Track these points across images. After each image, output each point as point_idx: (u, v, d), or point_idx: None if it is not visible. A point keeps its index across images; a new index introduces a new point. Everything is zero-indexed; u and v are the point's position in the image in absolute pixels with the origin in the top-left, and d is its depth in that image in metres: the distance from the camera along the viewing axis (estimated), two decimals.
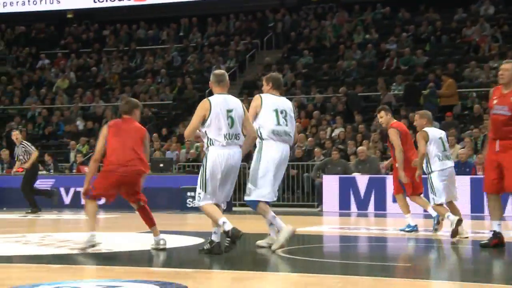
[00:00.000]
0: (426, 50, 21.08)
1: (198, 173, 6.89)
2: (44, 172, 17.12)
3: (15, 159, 14.18)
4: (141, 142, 7.17)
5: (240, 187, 10.82)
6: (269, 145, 7.09)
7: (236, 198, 13.88)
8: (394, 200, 11.01)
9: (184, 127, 18.86)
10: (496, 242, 7.41)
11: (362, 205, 14.24)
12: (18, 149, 13.87)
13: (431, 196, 8.81)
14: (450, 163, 8.89)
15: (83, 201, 16.42)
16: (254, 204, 7.15)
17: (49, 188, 15.03)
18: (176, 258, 7.06)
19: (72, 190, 15.84)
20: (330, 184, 14.65)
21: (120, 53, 25.19)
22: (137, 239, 8.74)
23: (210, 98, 6.82)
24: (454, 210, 8.77)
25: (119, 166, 6.98)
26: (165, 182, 15.16)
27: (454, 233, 8.34)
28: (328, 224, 11.98)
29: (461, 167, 14.31)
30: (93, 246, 7.02)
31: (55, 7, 26.82)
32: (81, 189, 16.82)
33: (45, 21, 27.72)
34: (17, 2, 26.60)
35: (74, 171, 17.13)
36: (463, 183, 13.49)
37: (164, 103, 21.88)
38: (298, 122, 18.43)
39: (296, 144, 16.94)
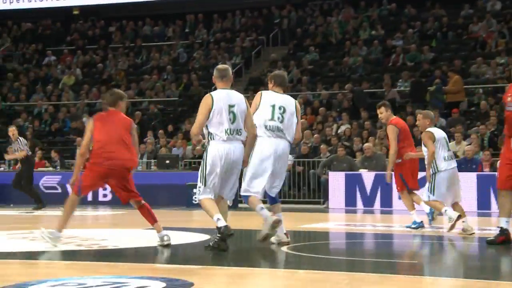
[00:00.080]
0: (433, 46, 21.01)
1: None
2: (51, 168, 17.17)
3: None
4: (128, 133, 7.10)
5: None
6: (261, 142, 7.05)
7: None
8: (400, 197, 10.99)
9: (190, 123, 18.88)
10: (503, 239, 7.38)
11: (368, 201, 14.22)
12: (14, 144, 14.16)
13: (427, 193, 8.79)
14: (454, 163, 8.92)
15: (89, 197, 16.63)
16: (245, 198, 7.18)
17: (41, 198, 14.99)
18: (182, 255, 7.07)
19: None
20: (336, 181, 14.63)
21: (126, 49, 25.22)
22: (143, 235, 8.74)
23: (212, 93, 6.82)
24: (459, 211, 8.75)
25: (105, 160, 6.95)
26: (171, 179, 15.19)
27: (452, 227, 8.48)
28: (334, 221, 11.97)
29: (468, 164, 14.28)
30: (55, 246, 6.99)
31: (61, 3, 26.90)
32: None
33: (51, 17, 27.78)
34: None
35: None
36: (470, 179, 13.47)
37: (170, 100, 21.90)
38: (304, 118, 18.43)
39: (302, 141, 16.94)
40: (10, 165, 17.32)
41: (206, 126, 6.72)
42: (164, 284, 4.88)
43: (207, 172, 6.69)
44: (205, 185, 6.69)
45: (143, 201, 7.20)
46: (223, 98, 6.71)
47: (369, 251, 7.82)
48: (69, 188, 16.02)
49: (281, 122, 7.15)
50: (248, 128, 6.86)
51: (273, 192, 7.33)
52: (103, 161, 6.96)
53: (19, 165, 14.79)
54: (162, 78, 23.01)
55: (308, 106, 19.33)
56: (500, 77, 18.51)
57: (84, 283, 4.91)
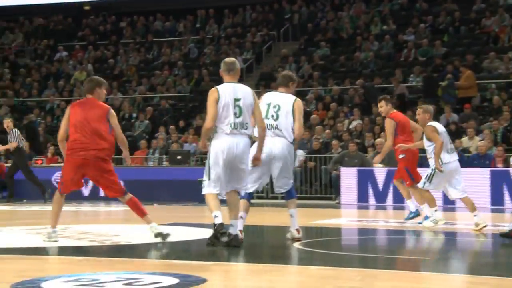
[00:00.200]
0: (445, 41, 20.89)
1: None
2: (63, 164, 17.24)
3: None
4: (104, 121, 6.96)
5: None
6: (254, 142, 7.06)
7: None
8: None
9: (201, 119, 18.91)
10: None
11: (381, 197, 14.19)
12: (9, 136, 14.50)
13: (424, 180, 8.89)
14: (456, 156, 8.99)
15: (101, 193, 16.65)
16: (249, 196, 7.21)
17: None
18: (195, 251, 7.08)
19: (90, 182, 15.86)
20: (348, 177, 14.60)
21: (137, 45, 25.26)
22: None
23: (218, 87, 6.81)
24: (468, 204, 8.75)
25: (79, 150, 6.91)
26: (183, 175, 15.19)
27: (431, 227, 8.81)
28: (346, 217, 11.95)
29: (481, 160, 14.22)
30: (55, 241, 6.99)
31: None
32: None
33: (63, 13, 27.88)
34: None
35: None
36: (483, 175, 13.42)
37: (181, 95, 21.92)
38: (316, 114, 18.41)
39: (313, 136, 16.92)
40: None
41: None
42: (177, 280, 4.90)
43: (210, 165, 6.69)
44: (209, 178, 6.68)
45: (127, 196, 7.11)
46: (229, 92, 6.69)
47: (382, 247, 7.81)
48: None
49: (276, 119, 7.15)
50: (257, 122, 6.82)
51: (279, 191, 7.38)
52: (76, 152, 6.92)
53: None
54: (173, 74, 23.03)
55: (320, 101, 19.29)
56: None
57: (97, 279, 4.93)
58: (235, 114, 6.64)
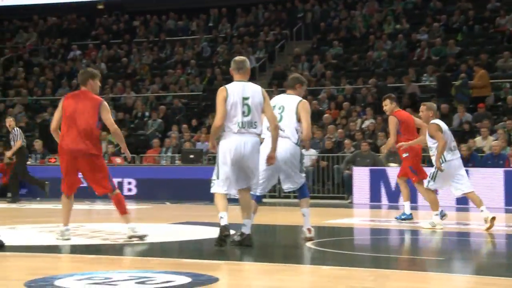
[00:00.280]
0: (458, 40, 20.78)
1: None
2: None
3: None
4: (95, 114, 6.91)
5: None
6: (263, 143, 7.02)
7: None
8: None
9: (213, 118, 18.89)
10: None
11: (393, 197, 14.13)
12: (11, 136, 14.50)
13: (427, 179, 8.97)
14: (458, 154, 9.04)
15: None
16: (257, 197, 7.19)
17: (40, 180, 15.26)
18: (207, 250, 7.08)
19: None
20: (361, 176, 14.56)
21: (150, 44, 25.33)
22: (169, 230, 8.80)
23: (227, 85, 6.80)
24: (474, 200, 8.82)
25: (67, 144, 6.91)
26: (196, 173, 15.20)
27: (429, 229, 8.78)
28: (359, 217, 11.92)
29: (495, 159, 14.13)
30: (67, 239, 7.02)
31: None
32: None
33: (77, 12, 28.01)
34: None
35: (106, 161, 17.26)
36: (497, 175, 13.34)
37: (194, 94, 21.95)
38: (328, 113, 18.37)
39: (326, 136, 16.88)
40: (36, 159, 17.56)
41: None
42: (189, 279, 4.90)
43: (219, 165, 6.68)
44: (218, 177, 6.67)
45: (114, 192, 7.10)
46: (237, 91, 6.66)
47: (394, 248, 7.78)
48: None
49: (279, 121, 7.11)
50: (269, 120, 6.77)
51: (288, 190, 7.39)
52: (66, 147, 6.92)
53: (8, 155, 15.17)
54: (186, 73, 23.07)
55: (332, 100, 19.25)
56: None
57: (110, 277, 4.95)
58: (243, 113, 6.61)
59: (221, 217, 6.51)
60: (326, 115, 18.20)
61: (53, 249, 6.80)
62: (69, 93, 7.35)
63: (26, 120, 21.52)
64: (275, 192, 15.27)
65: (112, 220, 10.55)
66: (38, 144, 17.61)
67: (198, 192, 15.08)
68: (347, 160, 15.30)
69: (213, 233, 7.94)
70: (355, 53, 21.79)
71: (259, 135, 6.76)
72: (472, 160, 14.23)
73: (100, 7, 27.91)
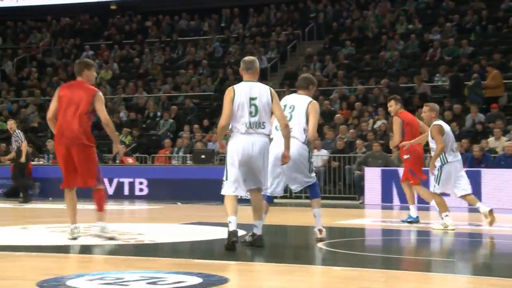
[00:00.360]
0: (471, 40, 20.68)
1: None
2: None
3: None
4: (89, 104, 6.90)
5: None
6: (271, 143, 6.99)
7: None
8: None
9: None
10: None
11: (405, 198, 13.91)
12: (12, 138, 14.58)
13: (433, 183, 8.96)
14: (459, 155, 9.09)
15: (125, 191, 16.78)
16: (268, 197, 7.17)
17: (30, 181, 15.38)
18: (218, 250, 7.08)
19: (115, 181, 16.03)
20: (372, 177, 14.53)
21: (162, 44, 25.41)
22: (180, 230, 8.81)
23: (235, 86, 6.77)
24: (471, 200, 8.93)
25: (61, 137, 6.92)
26: (207, 174, 15.23)
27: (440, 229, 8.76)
28: (370, 217, 11.89)
29: (508, 160, 14.04)
30: (75, 239, 7.02)
31: None
32: (123, 180, 17.13)
33: (90, 12, 28.16)
34: None
35: (118, 162, 17.37)
36: (510, 176, 13.28)
37: (206, 94, 21.99)
38: (340, 113, 18.34)
39: (338, 135, 16.84)
40: (49, 159, 17.66)
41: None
42: (200, 280, 4.91)
43: (228, 165, 6.65)
44: (227, 179, 6.63)
45: (98, 186, 7.11)
46: (244, 91, 6.62)
47: (406, 248, 7.75)
48: (106, 182, 16.26)
49: (289, 120, 7.08)
50: (278, 119, 6.71)
51: (296, 190, 7.41)
52: (60, 138, 6.94)
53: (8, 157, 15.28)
54: (198, 73, 23.11)
55: (344, 101, 19.22)
56: None
57: (121, 278, 4.97)
58: (250, 113, 6.56)
59: (230, 222, 6.47)
60: (337, 115, 18.17)
61: (65, 249, 6.83)
62: (65, 83, 7.37)
63: (39, 120, 21.63)
64: (286, 192, 15.23)
65: (123, 221, 10.59)
66: (50, 144, 17.70)
67: (210, 192, 15.08)
68: (359, 162, 15.28)
69: (224, 233, 7.96)
70: (368, 53, 21.74)
71: (268, 135, 6.71)
72: (484, 160, 14.16)
73: (113, 7, 28.03)
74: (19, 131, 14.67)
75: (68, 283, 4.75)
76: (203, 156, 15.97)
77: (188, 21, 26.39)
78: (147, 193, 15.71)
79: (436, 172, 8.86)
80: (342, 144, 16.37)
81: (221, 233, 7.89)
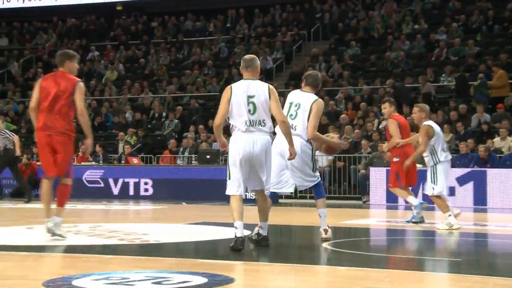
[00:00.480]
0: (477, 40, 20.63)
1: None
2: (94, 163, 17.44)
3: None
4: (70, 95, 6.93)
5: None
6: (275, 141, 6.98)
7: None
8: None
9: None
10: None
11: None
12: (1, 137, 14.63)
13: (430, 186, 8.94)
14: (450, 155, 9.16)
15: (131, 192, 16.79)
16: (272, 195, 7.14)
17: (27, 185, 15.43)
18: (223, 250, 7.09)
19: (120, 181, 16.08)
20: (377, 177, 14.52)
21: (168, 44, 25.44)
22: (185, 230, 8.82)
23: (233, 84, 6.71)
24: (443, 202, 8.98)
25: (44, 127, 6.92)
26: (212, 174, 15.26)
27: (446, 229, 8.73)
28: (375, 217, 11.88)
29: None
30: (53, 235, 6.97)
31: None
32: (129, 180, 17.12)
33: (95, 13, 28.22)
34: None
35: (123, 162, 17.41)
36: None
37: (211, 95, 22.00)
38: (345, 113, 18.33)
39: (343, 136, 16.82)
40: None
41: (228, 119, 6.64)
42: (205, 280, 4.91)
43: (230, 165, 6.61)
44: (229, 178, 6.58)
45: (65, 179, 7.06)
46: (242, 89, 6.55)
47: (411, 248, 7.74)
48: (111, 182, 16.31)
49: (294, 118, 7.10)
50: (275, 116, 6.59)
51: (299, 188, 7.39)
52: (42, 130, 6.94)
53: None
54: (203, 73, 23.13)
55: (349, 101, 19.20)
56: None
57: (127, 277, 4.97)
58: (249, 111, 6.50)
59: (236, 227, 6.43)
60: (343, 115, 18.16)
61: (70, 249, 6.85)
62: (46, 75, 7.36)
63: (3, 119, 21.69)
64: (291, 192, 15.25)
65: (128, 221, 10.61)
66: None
67: (214, 192, 15.14)
68: (365, 163, 15.31)
69: (229, 233, 7.97)
70: (373, 53, 21.72)
71: (269, 133, 6.64)
72: (490, 160, 14.13)
73: (119, 8, 28.09)
74: (6, 130, 14.86)
75: (74, 283, 4.76)
76: (208, 157, 15.99)
77: (193, 21, 26.42)
78: (152, 193, 15.74)
79: (429, 174, 8.91)
80: (347, 144, 16.36)
81: (226, 233, 7.90)
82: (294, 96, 7.35)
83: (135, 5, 28.16)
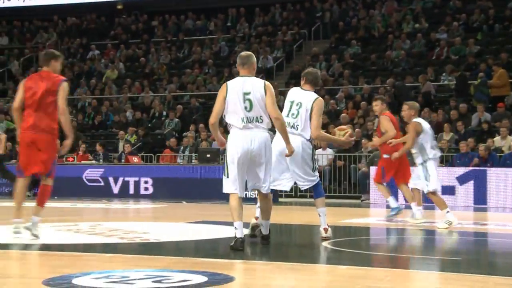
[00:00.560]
0: (478, 39, 20.62)
1: None
2: (94, 161, 17.45)
3: None
4: (54, 94, 6.92)
5: None
6: (274, 139, 6.97)
7: None
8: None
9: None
10: None
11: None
12: None
13: (424, 183, 9.01)
14: (439, 153, 9.27)
15: (131, 191, 16.78)
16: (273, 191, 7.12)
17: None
18: (223, 249, 7.09)
19: (120, 180, 16.08)
20: None
21: (168, 43, 25.44)
22: (185, 229, 8.83)
23: (228, 82, 6.67)
24: (418, 196, 9.24)
25: (28, 127, 6.92)
26: (212, 173, 15.26)
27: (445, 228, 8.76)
28: (376, 216, 11.88)
29: None
30: (17, 233, 6.90)
31: None
32: (128, 179, 17.09)
33: (96, 12, 28.22)
34: None
35: (123, 160, 17.42)
36: None
37: (211, 94, 21.95)
38: (345, 112, 18.32)
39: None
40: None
41: (224, 117, 6.60)
42: (205, 278, 4.91)
43: (228, 163, 6.56)
44: (227, 176, 6.54)
45: (47, 178, 7.05)
46: (238, 87, 6.51)
47: (411, 247, 7.74)
48: (111, 181, 16.31)
49: (295, 117, 7.11)
50: (270, 113, 6.50)
51: (302, 187, 7.37)
52: (26, 129, 6.94)
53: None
54: (204, 72, 23.13)
55: (350, 100, 19.20)
56: None
57: (127, 276, 4.98)
58: (245, 108, 6.46)
59: (236, 228, 6.39)
60: (343, 114, 18.15)
61: (70, 247, 6.85)
62: (31, 75, 7.35)
63: None
64: (291, 191, 15.27)
65: (128, 219, 10.61)
66: (56, 143, 17.74)
67: (215, 191, 15.11)
68: (367, 163, 15.31)
69: (229, 232, 7.97)
70: (374, 52, 21.72)
71: (268, 129, 6.59)
72: (490, 160, 14.14)
73: (119, 7, 28.09)
74: None
75: (74, 281, 4.76)
76: (208, 155, 15.99)
77: (194, 20, 26.41)
78: (152, 192, 15.74)
79: (420, 171, 8.99)
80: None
81: (226, 232, 7.90)
82: (295, 94, 7.34)
83: (136, 4, 28.17)
